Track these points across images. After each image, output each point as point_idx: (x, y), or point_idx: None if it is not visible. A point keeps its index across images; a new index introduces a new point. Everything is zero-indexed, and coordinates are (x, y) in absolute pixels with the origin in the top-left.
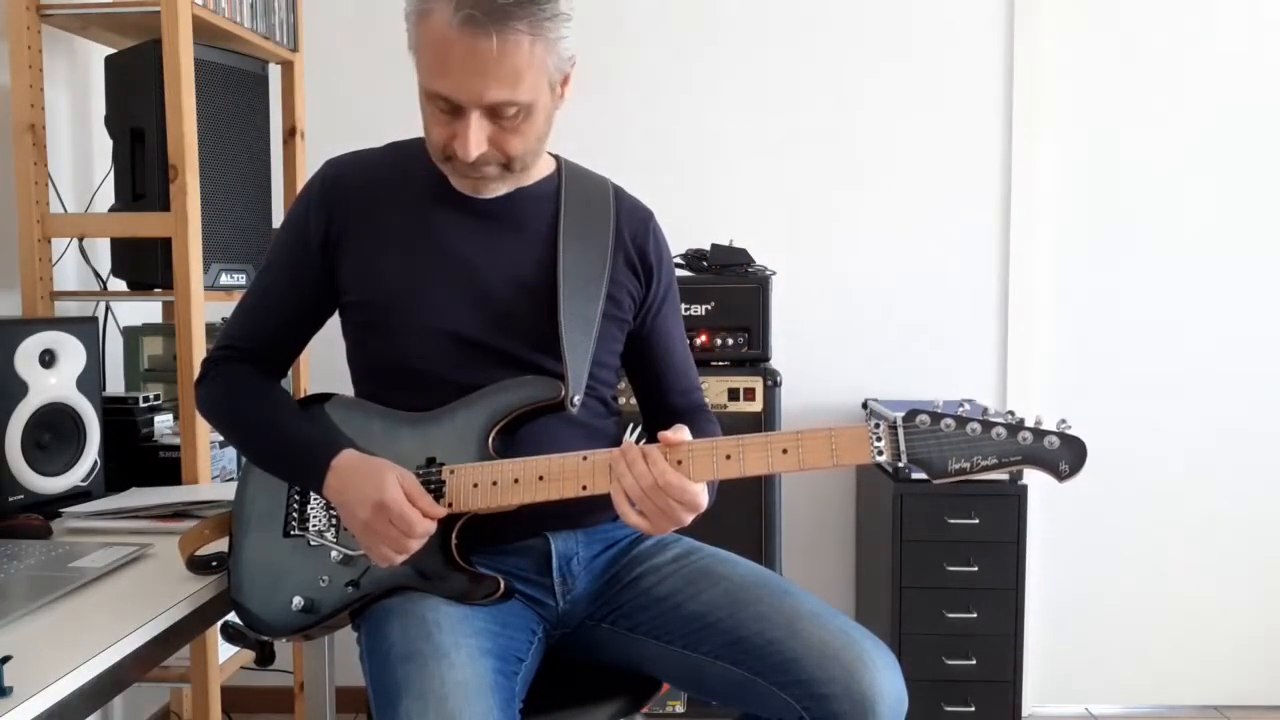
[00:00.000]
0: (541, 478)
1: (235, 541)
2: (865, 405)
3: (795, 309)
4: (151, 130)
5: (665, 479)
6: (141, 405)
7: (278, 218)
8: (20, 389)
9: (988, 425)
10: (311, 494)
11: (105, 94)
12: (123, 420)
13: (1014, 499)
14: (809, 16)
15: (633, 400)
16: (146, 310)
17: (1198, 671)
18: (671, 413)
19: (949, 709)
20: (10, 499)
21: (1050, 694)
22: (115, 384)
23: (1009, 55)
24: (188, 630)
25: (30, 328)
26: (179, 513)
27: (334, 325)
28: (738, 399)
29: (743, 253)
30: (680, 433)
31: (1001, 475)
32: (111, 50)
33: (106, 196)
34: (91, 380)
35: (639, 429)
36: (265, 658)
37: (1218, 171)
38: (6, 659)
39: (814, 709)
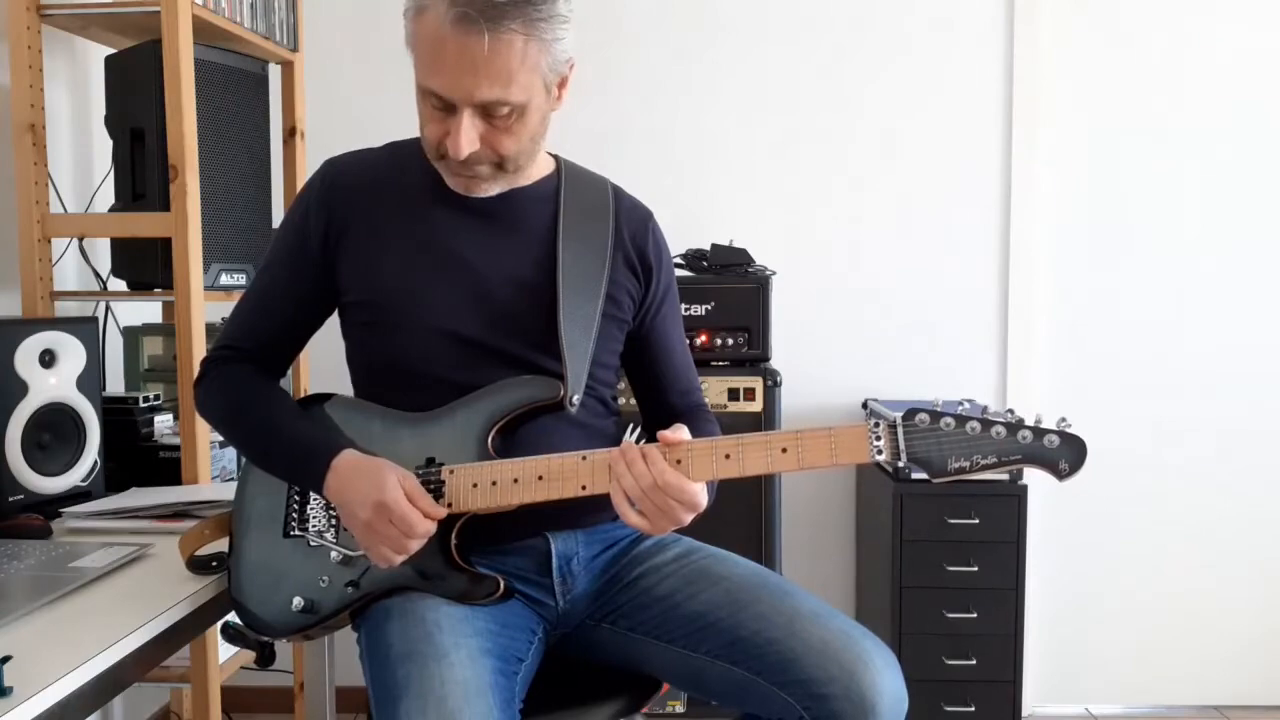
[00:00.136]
0: (541, 478)
1: (235, 542)
2: (865, 405)
3: (795, 309)
4: (151, 130)
5: (664, 479)
6: (141, 405)
7: (278, 218)
8: (20, 389)
9: (987, 424)
10: (311, 494)
11: (105, 94)
12: (123, 420)
13: (1014, 499)
14: (809, 17)
15: (632, 400)
16: (146, 310)
17: (1198, 671)
18: (671, 412)
19: (949, 709)
20: (10, 499)
21: (1050, 694)
22: (115, 384)
23: (1009, 55)
24: (188, 630)
25: (30, 328)
26: (179, 513)
27: (334, 325)
28: (738, 399)
29: (743, 253)
30: (679, 432)
31: (1001, 474)
32: (111, 50)
33: (106, 196)
34: (91, 380)
35: (638, 429)
36: (265, 658)
37: (1217, 171)
38: (6, 659)
39: (814, 709)
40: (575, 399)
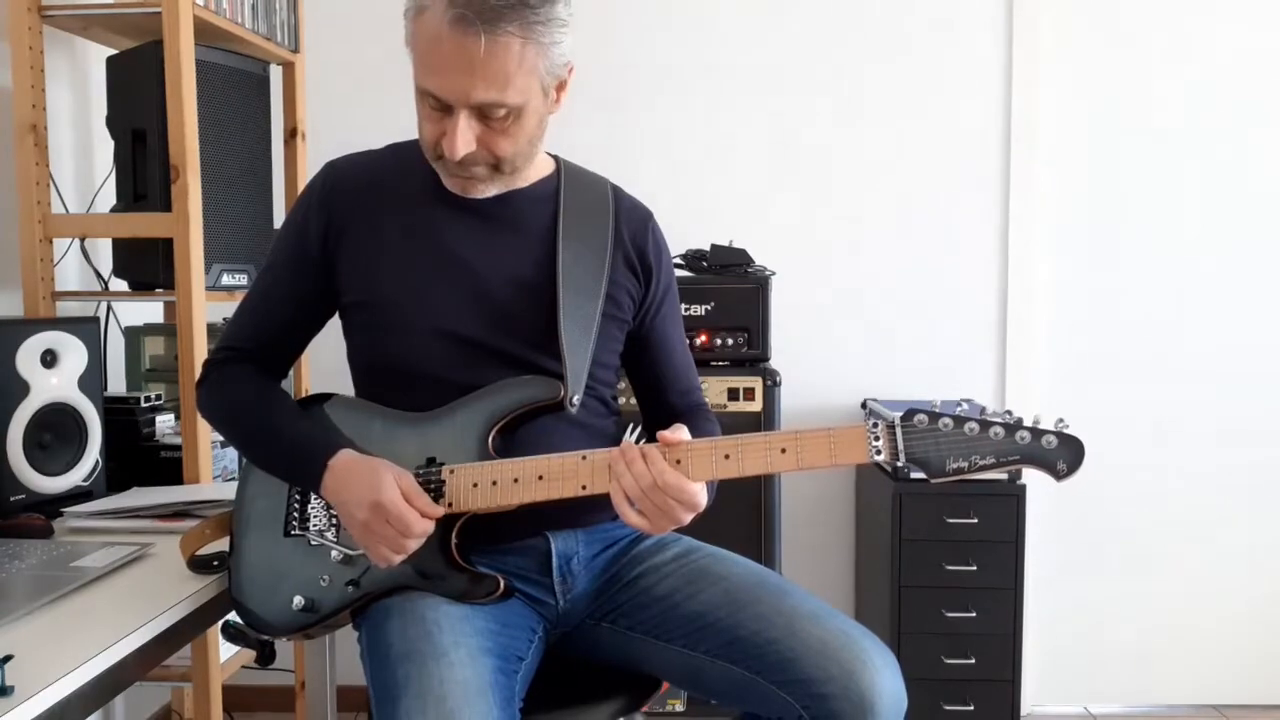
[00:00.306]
0: (541, 477)
1: (236, 541)
2: (864, 405)
3: (795, 309)
4: (153, 131)
5: (664, 479)
6: (143, 405)
7: (279, 218)
8: (22, 389)
9: (985, 425)
10: (312, 494)
11: (107, 94)
12: (124, 420)
13: (1013, 499)
14: (809, 17)
15: (633, 400)
16: (148, 310)
17: (1197, 671)
18: (671, 412)
19: (948, 708)
20: (12, 498)
21: (1050, 694)
22: (117, 384)
23: (1008, 55)
24: (189, 630)
25: (32, 328)
26: (180, 512)
27: (334, 325)
28: (737, 399)
29: (743, 253)
30: (679, 432)
31: (1000, 475)
32: (113, 51)
33: (108, 197)
34: (93, 380)
35: (638, 429)
36: (266, 657)
37: (1217, 171)
38: (7, 659)
39: (813, 708)
40: (575, 399)
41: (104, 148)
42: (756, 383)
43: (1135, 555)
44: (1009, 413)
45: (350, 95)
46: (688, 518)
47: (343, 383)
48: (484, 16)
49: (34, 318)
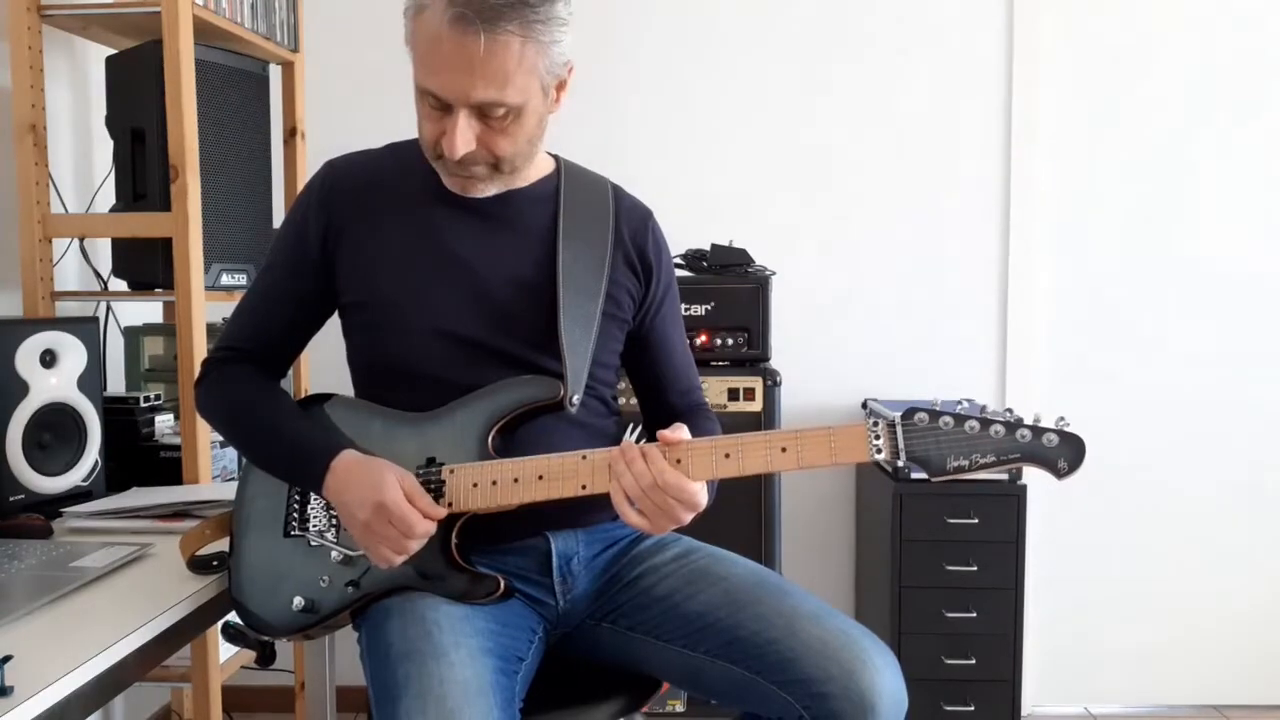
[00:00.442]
0: (541, 477)
1: (236, 541)
2: (865, 405)
3: (795, 309)
4: (152, 130)
5: (664, 478)
6: (142, 405)
7: (278, 218)
8: (21, 389)
9: (986, 423)
10: (312, 494)
11: (106, 94)
12: (123, 420)
13: (1014, 499)
14: (809, 17)
15: (633, 400)
16: (147, 310)
17: (1198, 671)
18: (671, 412)
19: (948, 709)
20: (11, 499)
21: (1049, 694)
22: (116, 384)
23: (1009, 55)
24: (188, 630)
25: (31, 328)
26: (180, 512)
27: (334, 325)
28: (737, 399)
29: (743, 253)
30: (679, 432)
31: (1000, 474)
32: (112, 50)
33: (107, 197)
34: (92, 380)
35: (638, 428)
36: (266, 657)
37: (1218, 171)
38: (7, 659)
39: (813, 708)
40: (575, 399)
41: (103, 147)
42: (756, 383)
43: (1135, 555)
44: (1009, 411)
45: (350, 95)
46: (688, 517)
47: (343, 383)
48: (484, 15)
49: (33, 318)
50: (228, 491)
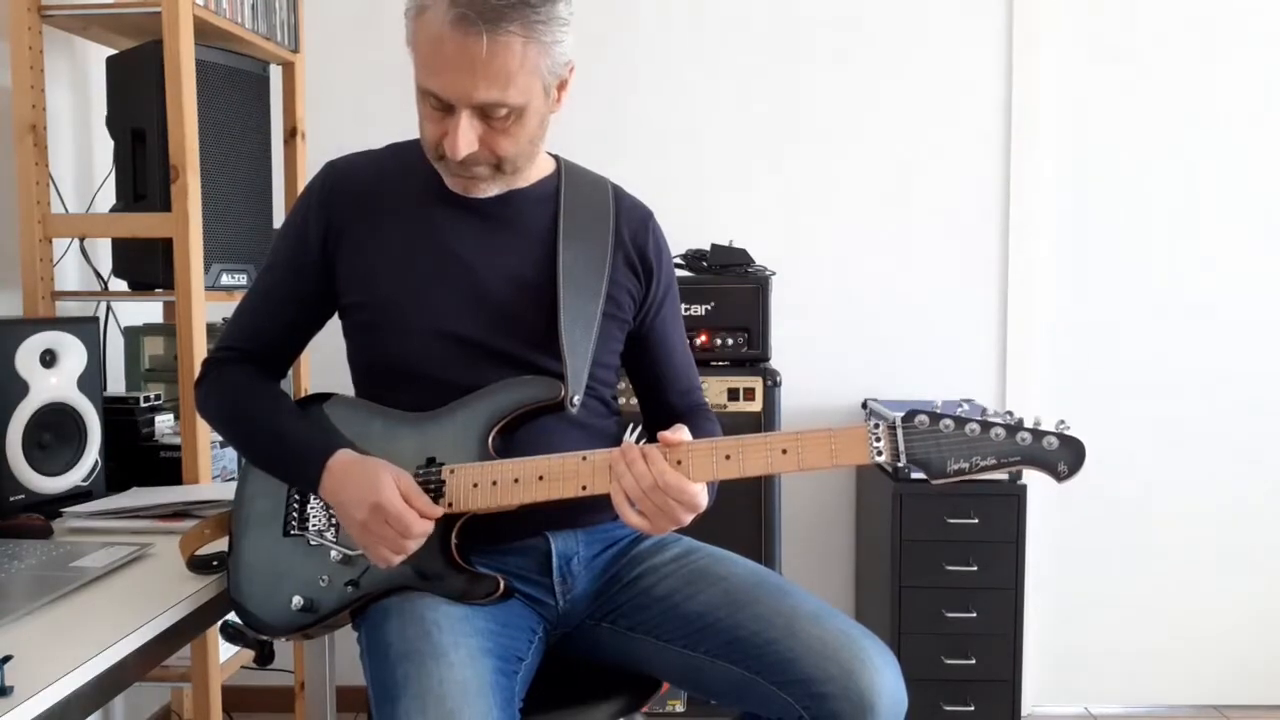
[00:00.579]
0: (541, 478)
1: (235, 541)
2: (865, 405)
3: (795, 309)
4: (152, 130)
5: (665, 479)
6: (142, 405)
7: (278, 218)
8: (21, 389)
9: (986, 426)
10: (311, 494)
11: (106, 94)
12: (123, 420)
13: (1014, 499)
14: (809, 18)
15: (633, 400)
16: (147, 310)
17: (1198, 671)
18: (671, 412)
19: (948, 709)
20: (11, 499)
21: (1049, 694)
22: (116, 384)
23: (1009, 55)
24: (188, 630)
25: (31, 328)
26: (179, 512)
27: (334, 325)
28: (737, 399)
29: (743, 253)
30: (680, 433)
31: (1001, 475)
32: (112, 51)
33: (107, 197)
34: (92, 380)
35: (639, 429)
36: (265, 657)
37: (1217, 171)
38: (7, 659)
39: (813, 708)
40: (576, 399)
41: (104, 148)
42: (756, 383)
43: (1135, 556)
44: (1010, 414)
45: (350, 95)
46: (688, 518)
47: (343, 383)
48: (486, 16)
49: (33, 317)
50: (227, 491)
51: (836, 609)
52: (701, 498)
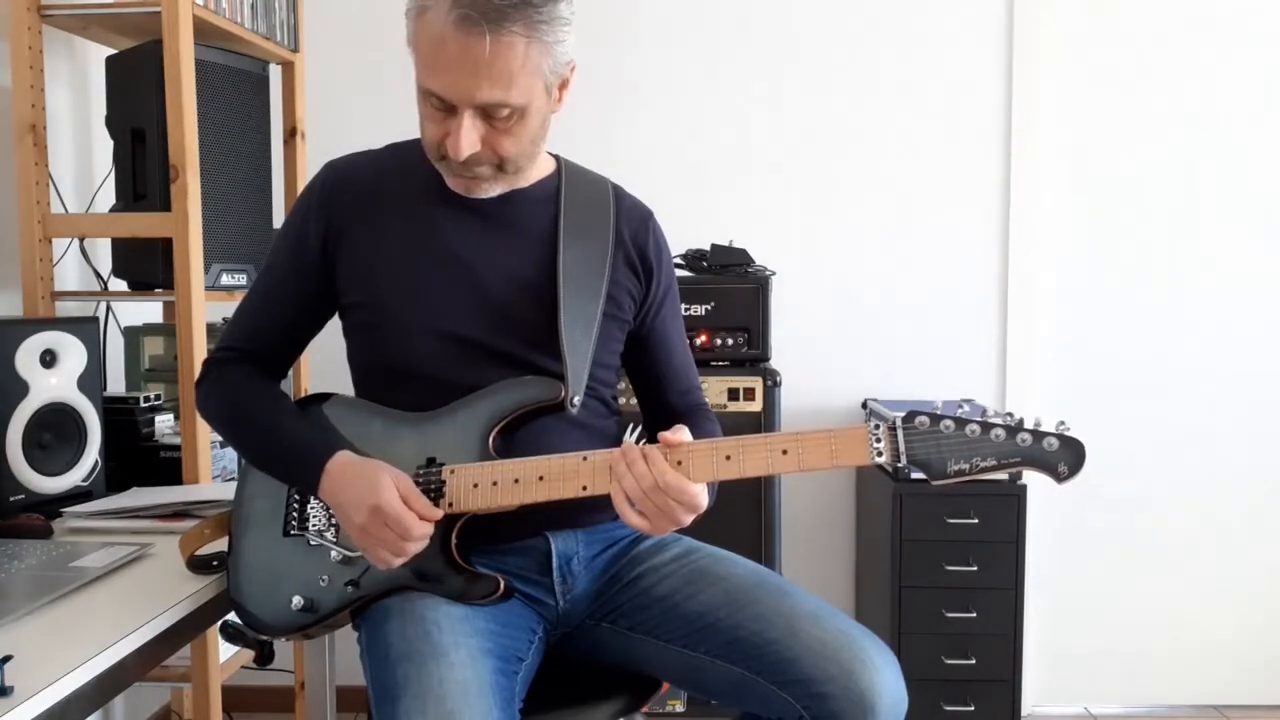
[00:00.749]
0: (542, 478)
1: (235, 541)
2: (865, 405)
3: (795, 309)
4: (152, 130)
5: (665, 480)
6: (142, 405)
7: (278, 218)
8: (21, 389)
9: (987, 427)
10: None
11: (106, 94)
12: (123, 420)
13: (1014, 499)
14: (809, 17)
15: (633, 400)
16: (147, 310)
17: (1198, 671)
18: (671, 412)
19: (948, 709)
20: (11, 499)
21: (1049, 694)
22: (116, 384)
23: (1008, 55)
24: (188, 630)
25: (31, 328)
26: (179, 512)
27: (334, 325)
28: (738, 399)
29: (743, 253)
30: (680, 433)
31: (1001, 476)
32: (112, 50)
33: (107, 197)
34: (92, 380)
35: (638, 429)
36: (264, 657)
37: (1217, 171)
38: (7, 659)
39: (813, 708)
40: (576, 400)
41: (103, 147)
42: (756, 383)
43: (1135, 555)
44: (1010, 414)
45: (350, 95)
46: (688, 519)
47: (343, 383)
48: (489, 16)
49: (33, 318)
50: (228, 491)
51: (836, 609)
52: (702, 498)
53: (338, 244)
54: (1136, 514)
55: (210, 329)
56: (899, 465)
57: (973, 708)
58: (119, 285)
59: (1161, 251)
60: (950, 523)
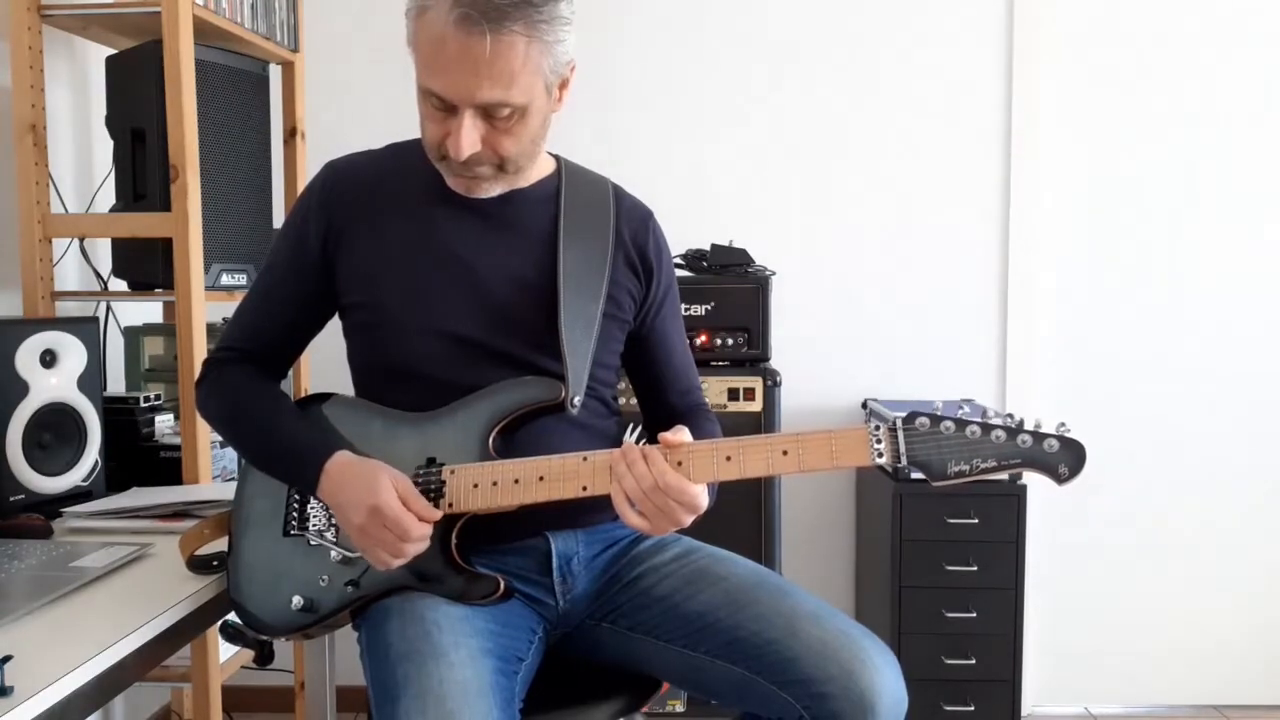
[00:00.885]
0: (542, 478)
1: (235, 541)
2: (865, 405)
3: (795, 309)
4: (152, 130)
5: (665, 480)
6: (142, 405)
7: (278, 218)
8: (21, 389)
9: (987, 428)
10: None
11: (106, 94)
12: (123, 420)
13: (1014, 499)
14: (810, 17)
15: (633, 400)
16: (147, 310)
17: (1198, 671)
18: (671, 412)
19: (948, 709)
20: (11, 499)
21: (1049, 694)
22: (116, 384)
23: (1009, 56)
24: (188, 630)
25: (31, 328)
26: (179, 512)
27: (334, 325)
28: (738, 399)
29: (743, 253)
30: (680, 434)
31: (1001, 476)
32: (112, 50)
33: (107, 196)
34: (92, 380)
35: (638, 429)
36: (264, 657)
37: (1217, 172)
38: (7, 659)
39: (813, 708)
40: (576, 400)
41: (103, 148)
42: (756, 383)
43: (1135, 556)
44: (1010, 415)
45: (350, 95)
46: (688, 519)
47: (343, 383)
48: (489, 16)
49: (33, 318)
50: (228, 491)
51: (836, 609)
52: (702, 499)
53: (338, 244)
54: (1136, 514)
55: (210, 329)
56: (899, 466)
57: (973, 708)
58: (119, 285)
59: (1161, 251)
60: (950, 523)
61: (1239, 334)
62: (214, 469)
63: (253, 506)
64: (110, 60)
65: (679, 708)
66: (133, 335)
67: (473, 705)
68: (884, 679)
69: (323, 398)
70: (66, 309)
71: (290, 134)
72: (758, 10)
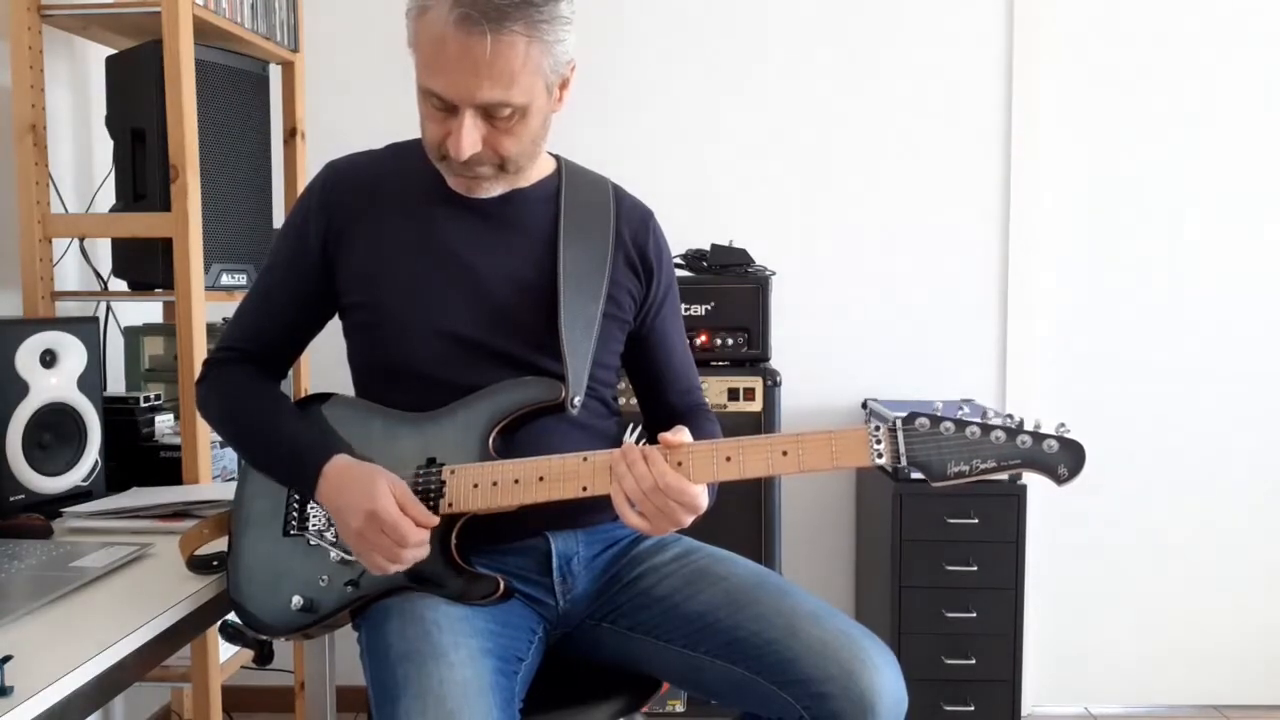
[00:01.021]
0: (542, 478)
1: (234, 541)
2: (865, 405)
3: (795, 309)
4: (152, 130)
5: (665, 480)
6: (142, 405)
7: (278, 218)
8: (21, 389)
9: (987, 429)
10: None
11: (106, 94)
12: (123, 420)
13: (1014, 499)
14: (810, 17)
15: (633, 400)
16: (147, 310)
17: (1198, 671)
18: (671, 412)
19: (948, 709)
20: (11, 499)
21: (1049, 694)
22: (116, 384)
23: (1009, 56)
24: (188, 630)
25: (31, 328)
26: (179, 512)
27: (334, 325)
28: (737, 399)
29: (743, 253)
30: (681, 434)
31: (1001, 476)
32: (112, 50)
33: (107, 196)
34: (92, 380)
35: (638, 429)
36: (264, 657)
37: (1216, 172)
38: (7, 659)
39: (813, 708)
40: (576, 400)
41: (103, 148)
42: (756, 383)
43: (1135, 556)
44: (1010, 416)
45: (350, 95)
46: (688, 519)
47: (343, 383)
48: (490, 16)
49: (33, 318)
50: (228, 491)
51: (836, 609)
52: (702, 499)
53: (338, 244)
54: (1136, 514)
55: (210, 329)
56: (899, 466)
57: (973, 708)
58: (119, 285)
59: (1161, 251)
60: (950, 523)
61: (1239, 334)
62: (214, 469)
63: (252, 506)
64: (110, 60)
65: (679, 708)
66: (133, 335)
67: (473, 705)
68: (884, 679)
69: (323, 398)
70: (66, 309)
71: (290, 134)
72: (758, 10)
